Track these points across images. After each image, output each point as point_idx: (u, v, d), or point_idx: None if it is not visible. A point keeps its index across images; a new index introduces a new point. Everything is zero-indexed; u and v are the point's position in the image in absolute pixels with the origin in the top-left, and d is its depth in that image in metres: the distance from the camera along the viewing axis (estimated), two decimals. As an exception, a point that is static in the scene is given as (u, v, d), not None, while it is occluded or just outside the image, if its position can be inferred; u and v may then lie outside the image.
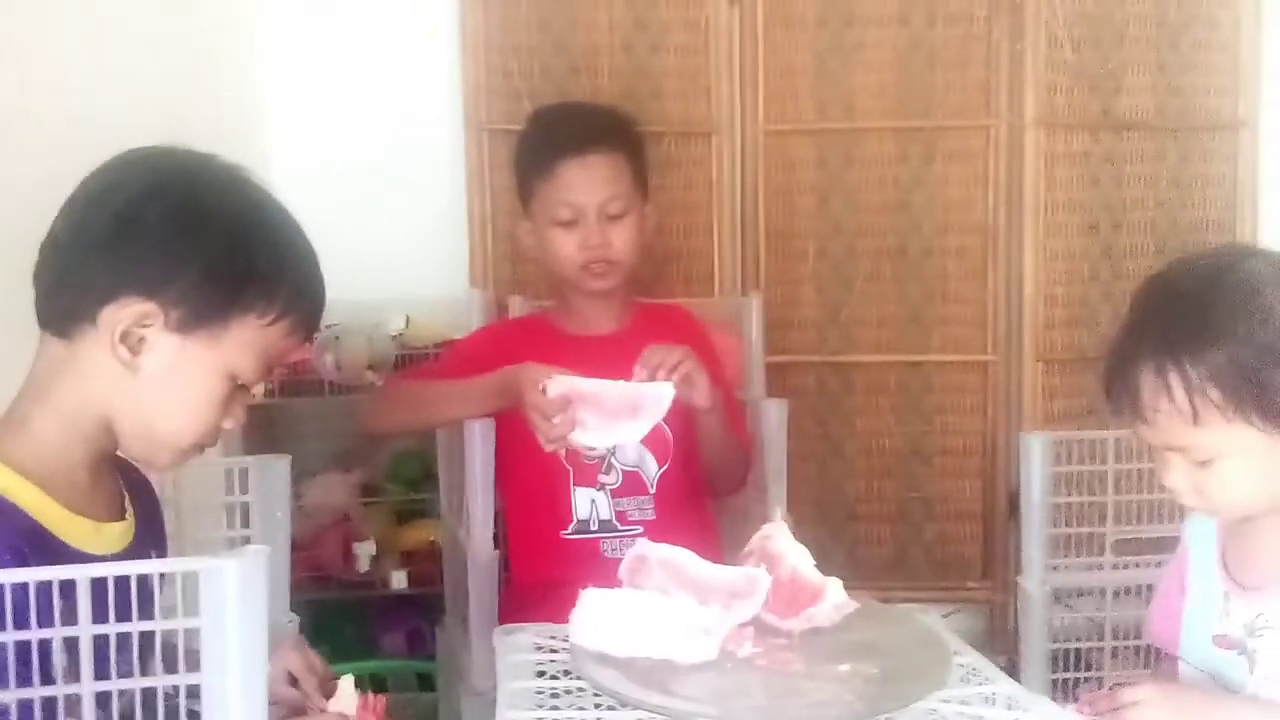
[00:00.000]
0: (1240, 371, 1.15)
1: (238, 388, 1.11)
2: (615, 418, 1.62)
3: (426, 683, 2.26)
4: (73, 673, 0.80)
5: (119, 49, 1.81)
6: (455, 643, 1.94)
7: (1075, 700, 1.22)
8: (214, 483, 1.55)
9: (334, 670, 1.25)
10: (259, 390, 1.16)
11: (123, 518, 1.12)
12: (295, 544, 2.06)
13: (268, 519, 1.53)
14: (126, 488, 1.15)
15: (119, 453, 1.13)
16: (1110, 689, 1.20)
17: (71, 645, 0.79)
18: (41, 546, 1.01)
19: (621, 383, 1.64)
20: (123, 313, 1.05)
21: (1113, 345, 1.24)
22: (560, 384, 1.63)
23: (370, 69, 2.51)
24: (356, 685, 1.18)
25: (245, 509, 1.54)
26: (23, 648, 0.80)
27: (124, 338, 1.05)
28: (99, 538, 1.07)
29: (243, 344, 1.09)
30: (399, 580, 2.28)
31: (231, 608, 0.80)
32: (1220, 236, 2.54)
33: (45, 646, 0.80)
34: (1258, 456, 1.17)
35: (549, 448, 1.66)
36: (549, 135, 1.94)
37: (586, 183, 1.87)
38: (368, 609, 2.37)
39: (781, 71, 2.51)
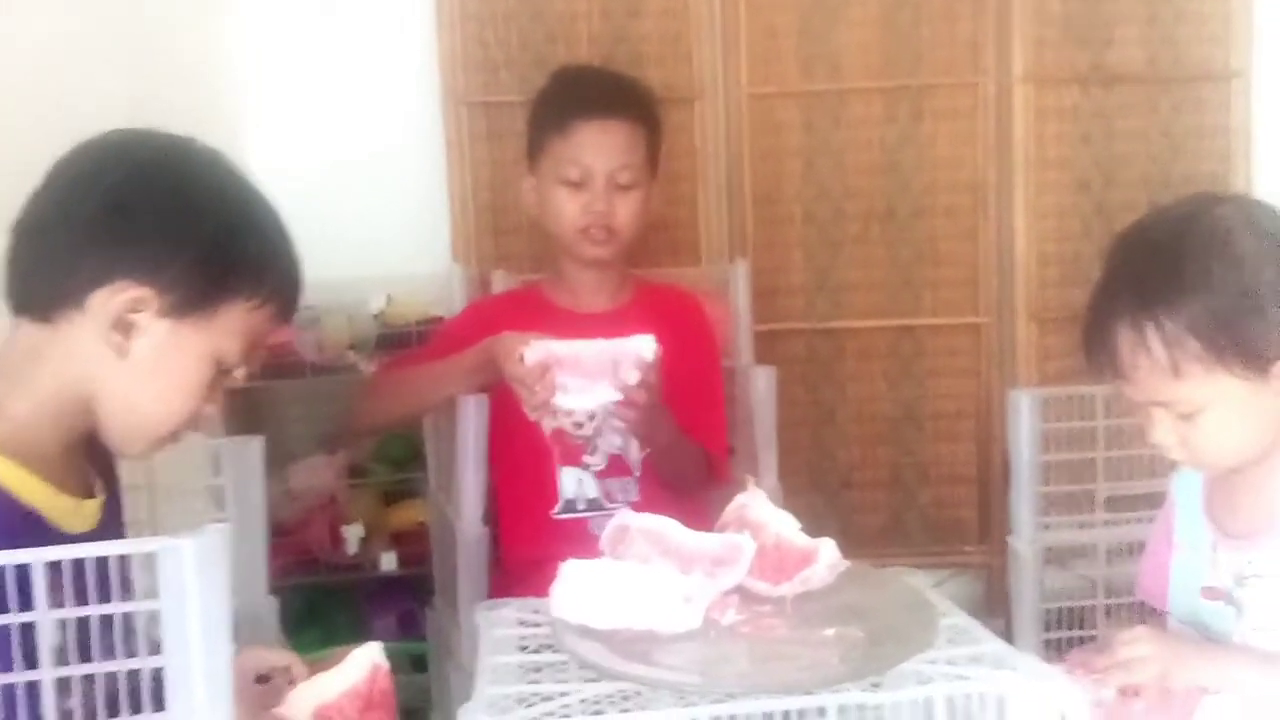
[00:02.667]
0: (1217, 321, 1.13)
1: (219, 372, 1.11)
2: (596, 377, 1.60)
3: (420, 665, 2.24)
4: (60, 656, 0.80)
5: (88, 28, 1.78)
6: (445, 622, 1.92)
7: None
8: (189, 466, 1.53)
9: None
10: (240, 374, 1.16)
11: (92, 495, 1.11)
12: (282, 529, 2.05)
13: (243, 501, 1.51)
14: (96, 467, 1.14)
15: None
16: (1098, 646, 1.19)
17: (60, 628, 0.79)
18: (32, 527, 1.01)
19: (600, 341, 1.62)
20: (116, 298, 1.04)
21: (1089, 304, 1.22)
22: (537, 349, 1.61)
23: (344, 42, 2.47)
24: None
25: (221, 492, 1.52)
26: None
27: (116, 323, 1.04)
28: (79, 515, 1.07)
29: (230, 328, 1.09)
30: (388, 562, 2.25)
31: (191, 588, 0.79)
32: (1214, 189, 2.49)
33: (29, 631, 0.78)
34: (1240, 405, 1.15)
35: (532, 416, 1.64)
36: (571, 93, 1.91)
37: (602, 147, 1.84)
38: (358, 592, 2.34)
39: (764, 33, 2.46)
